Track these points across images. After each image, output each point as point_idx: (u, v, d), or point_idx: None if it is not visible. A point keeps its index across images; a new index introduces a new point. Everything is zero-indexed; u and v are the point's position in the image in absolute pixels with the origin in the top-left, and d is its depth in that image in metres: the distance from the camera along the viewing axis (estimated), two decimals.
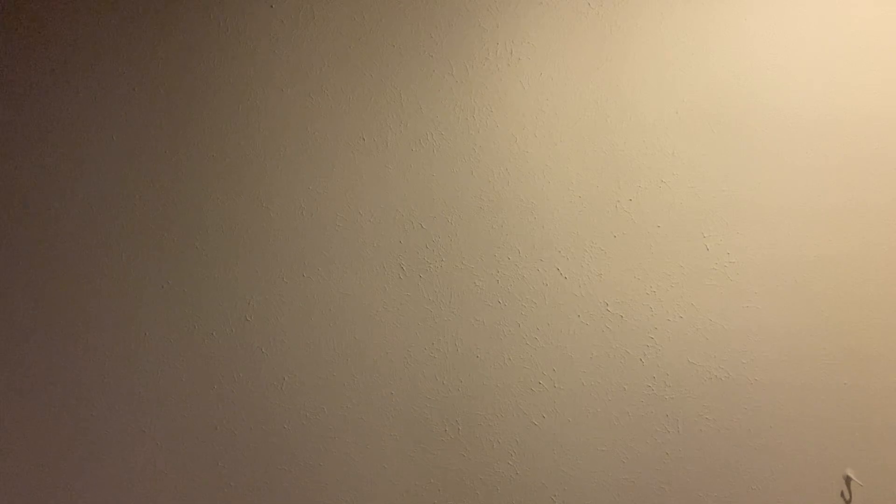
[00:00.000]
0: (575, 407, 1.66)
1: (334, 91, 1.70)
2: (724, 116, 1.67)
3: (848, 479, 1.64)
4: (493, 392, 1.67)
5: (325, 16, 1.71)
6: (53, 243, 1.68)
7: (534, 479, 1.66)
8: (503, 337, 1.67)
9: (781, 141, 1.66)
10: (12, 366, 1.67)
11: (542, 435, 1.66)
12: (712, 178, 1.66)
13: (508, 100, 1.69)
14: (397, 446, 1.67)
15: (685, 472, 1.65)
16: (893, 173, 1.65)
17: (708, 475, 1.65)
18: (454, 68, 1.70)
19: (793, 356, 1.65)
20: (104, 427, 1.66)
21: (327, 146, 1.70)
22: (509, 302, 1.67)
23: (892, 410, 1.64)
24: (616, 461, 1.65)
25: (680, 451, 1.65)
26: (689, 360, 1.65)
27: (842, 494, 1.64)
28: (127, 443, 1.66)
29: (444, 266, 1.68)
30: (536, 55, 1.69)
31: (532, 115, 1.69)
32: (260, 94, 1.70)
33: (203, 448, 1.67)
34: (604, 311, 1.66)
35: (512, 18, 1.70)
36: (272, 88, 1.70)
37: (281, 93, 1.70)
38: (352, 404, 1.67)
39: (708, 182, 1.66)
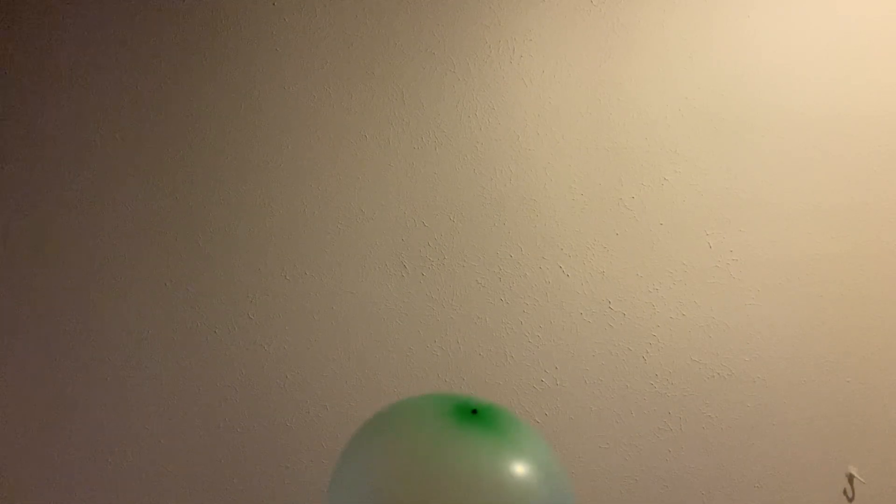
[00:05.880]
0: (577, 404, 1.66)
1: (336, 89, 1.70)
2: (727, 114, 1.67)
3: (851, 477, 1.64)
4: (495, 390, 1.67)
5: (328, 13, 1.71)
6: (54, 243, 1.68)
7: None
8: (505, 335, 1.67)
9: (784, 139, 1.66)
10: (12, 365, 1.67)
11: (544, 432, 1.66)
12: (715, 176, 1.66)
13: (511, 97, 1.69)
14: None
15: (688, 470, 1.65)
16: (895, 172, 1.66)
17: (710, 473, 1.65)
18: (456, 66, 1.70)
19: (795, 354, 1.65)
20: (106, 426, 1.66)
21: (329, 144, 1.70)
22: (511, 300, 1.67)
23: (895, 408, 1.64)
24: (619, 458, 1.65)
25: (682, 448, 1.65)
26: (691, 357, 1.65)
27: (844, 492, 1.64)
28: (129, 441, 1.66)
29: (447, 264, 1.68)
30: (539, 53, 1.69)
31: (534, 113, 1.68)
32: (262, 92, 1.70)
33: (206, 446, 1.67)
34: (606, 308, 1.66)
35: (514, 16, 1.70)
36: (274, 86, 1.70)
37: (283, 91, 1.70)
38: (354, 402, 1.67)
39: (710, 180, 1.66)
